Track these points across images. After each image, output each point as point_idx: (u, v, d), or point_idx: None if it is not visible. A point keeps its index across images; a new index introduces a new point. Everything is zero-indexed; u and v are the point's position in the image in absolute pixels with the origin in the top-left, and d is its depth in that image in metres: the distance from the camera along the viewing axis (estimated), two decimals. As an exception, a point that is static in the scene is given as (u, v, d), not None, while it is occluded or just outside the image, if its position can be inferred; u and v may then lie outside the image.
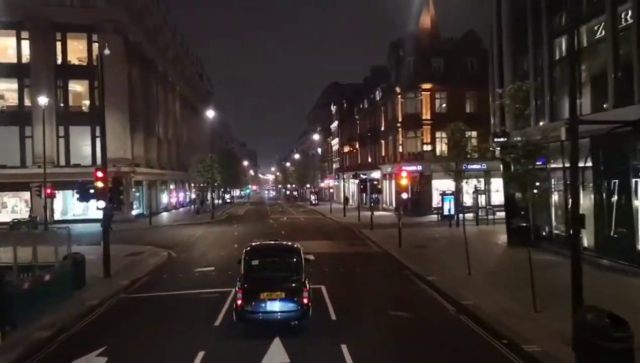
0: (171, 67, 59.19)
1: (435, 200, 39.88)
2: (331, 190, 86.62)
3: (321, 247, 23.10)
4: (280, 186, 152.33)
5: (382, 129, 49.09)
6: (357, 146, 61.09)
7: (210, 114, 46.41)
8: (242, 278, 10.27)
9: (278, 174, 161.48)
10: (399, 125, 42.77)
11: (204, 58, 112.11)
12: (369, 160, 55.76)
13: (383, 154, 48.91)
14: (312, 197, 69.25)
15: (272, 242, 13.18)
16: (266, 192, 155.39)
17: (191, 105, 71.66)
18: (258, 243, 12.67)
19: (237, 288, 10.14)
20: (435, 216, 37.80)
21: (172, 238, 27.91)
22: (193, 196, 71.38)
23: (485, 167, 41.51)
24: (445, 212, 36.66)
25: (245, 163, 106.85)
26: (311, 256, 16.41)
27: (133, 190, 43.63)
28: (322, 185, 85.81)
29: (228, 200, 77.51)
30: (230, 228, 33.25)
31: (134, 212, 41.78)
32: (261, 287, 9.92)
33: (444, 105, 42.14)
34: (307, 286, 10.20)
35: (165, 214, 49.72)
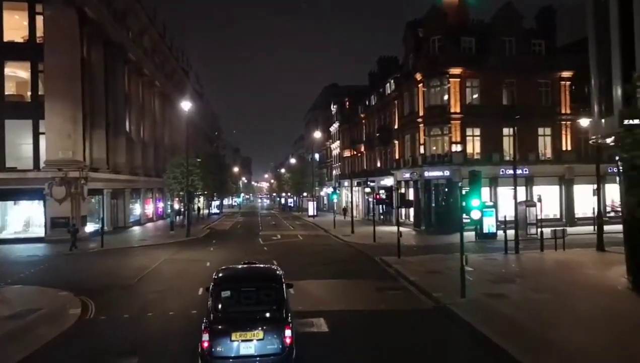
0: (148, 59, 50.97)
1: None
2: (330, 199, 78.35)
3: (335, 296, 14.80)
4: (274, 194, 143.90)
5: (396, 127, 41.01)
6: (363, 149, 52.98)
7: (185, 105, 37.87)
8: (210, 313, 8.17)
9: (272, 181, 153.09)
10: (419, 120, 34.64)
11: (195, 64, 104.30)
12: (378, 164, 47.58)
13: (397, 156, 40.77)
14: (311, 208, 61.03)
15: (247, 266, 10.20)
16: (260, 200, 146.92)
17: (174, 105, 63.44)
18: (230, 267, 10.17)
19: (203, 327, 7.92)
20: (465, 234, 29.49)
21: (115, 272, 19.55)
22: (176, 206, 62.96)
23: (527, 172, 33.56)
24: (485, 230, 28.59)
25: (236, 169, 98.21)
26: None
27: (91, 199, 35.21)
28: (322, 193, 77.49)
29: (216, 211, 69.08)
30: (204, 254, 24.84)
31: (89, 228, 33.29)
32: (233, 325, 7.88)
33: (475, 95, 34.10)
34: (290, 322, 8.14)
35: (136, 229, 41.26)
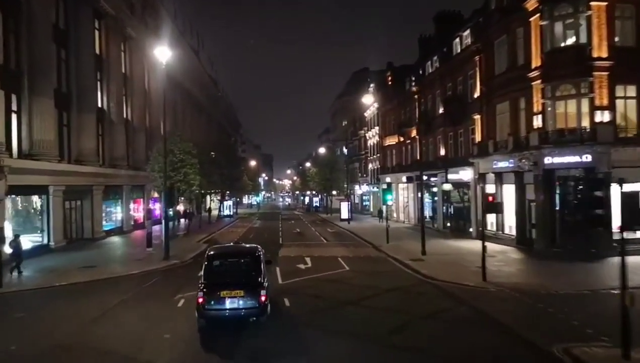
0: (138, 20, 39.32)
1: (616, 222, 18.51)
2: (363, 199, 65.74)
3: None
4: (297, 192, 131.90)
5: (476, 95, 28.12)
6: (414, 134, 40.09)
7: (162, 54, 24.47)
8: (204, 277, 10.79)
9: (295, 178, 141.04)
10: (534, 74, 21.65)
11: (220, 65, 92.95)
12: (442, 152, 34.62)
13: (478, 138, 27.89)
14: (344, 210, 48.49)
15: (234, 245, 14.68)
16: (281, 199, 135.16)
17: (179, 86, 51.84)
18: (220, 246, 14.79)
19: (198, 288, 10.56)
20: (629, 259, 16.35)
21: None
22: (180, 207, 51.39)
23: None
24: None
25: (253, 163, 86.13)
26: None
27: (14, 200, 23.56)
28: (359, 192, 64.75)
29: (228, 213, 57.13)
30: (156, 324, 12.02)
31: (25, 245, 21.42)
32: (222, 285, 10.43)
33: (630, 30, 20.93)
34: (266, 286, 10.73)
35: (108, 242, 29.58)
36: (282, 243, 29.36)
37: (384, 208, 41.89)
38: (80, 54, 29.54)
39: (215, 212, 53.90)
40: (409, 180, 40.58)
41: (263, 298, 10.32)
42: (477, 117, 27.93)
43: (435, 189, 35.69)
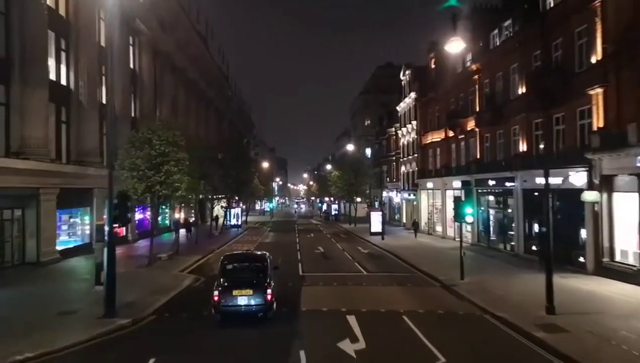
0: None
1: None
2: (394, 208, 56.58)
3: None
4: (313, 199, 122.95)
5: (598, 58, 18.78)
6: (473, 125, 30.88)
7: None
8: (219, 278, 12.38)
9: (311, 183, 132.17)
10: None
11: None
12: (522, 147, 25.17)
13: (599, 123, 18.56)
14: (375, 221, 39.33)
15: (245, 252, 18.13)
16: (296, 206, 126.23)
17: (181, 74, 43.42)
18: (233, 253, 15.26)
19: (214, 287, 12.12)
20: None
21: None
22: (179, 215, 42.96)
23: None
24: None
25: (266, 164, 76.98)
26: None
27: None
28: (396, 200, 55.35)
29: (236, 222, 48.27)
30: None
31: None
32: (234, 285, 12.03)
33: None
34: (272, 286, 12.24)
35: (71, 265, 21.06)
36: (304, 274, 20.30)
37: (450, 225, 33.03)
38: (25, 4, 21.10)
39: (223, 220, 45.16)
40: (465, 185, 31.34)
41: (269, 297, 11.91)
42: (597, 91, 18.62)
43: (509, 198, 26.31)
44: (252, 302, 11.80)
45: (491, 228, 28.88)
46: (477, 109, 30.51)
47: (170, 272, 19.81)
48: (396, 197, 54.49)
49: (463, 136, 33.22)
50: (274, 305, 12.27)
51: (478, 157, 30.50)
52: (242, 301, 11.79)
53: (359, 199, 57.08)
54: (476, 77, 30.57)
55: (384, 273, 20.86)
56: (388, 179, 58.22)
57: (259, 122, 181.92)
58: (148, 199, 21.68)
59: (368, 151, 75.08)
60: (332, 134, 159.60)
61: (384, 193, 60.39)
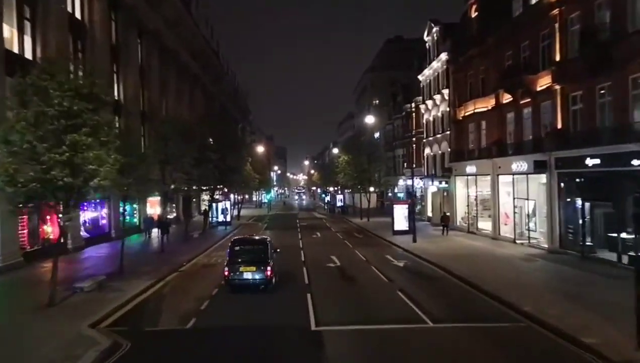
0: None
1: None
2: (418, 198, 47.16)
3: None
4: (315, 188, 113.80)
5: None
6: (551, 81, 21.55)
7: None
8: (228, 258, 14.88)
9: (313, 171, 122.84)
10: None
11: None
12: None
13: None
14: (399, 218, 30.24)
15: (249, 236, 20.14)
16: (296, 196, 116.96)
17: (154, 38, 33.96)
18: (240, 237, 19.02)
19: (225, 265, 14.90)
20: None
21: None
22: (150, 212, 34.07)
23: None
24: None
25: (261, 149, 67.14)
26: None
27: None
28: (426, 189, 45.50)
29: (222, 219, 39.10)
30: None
31: None
32: (241, 263, 14.69)
33: None
34: (271, 263, 14.81)
35: None
36: (318, 328, 11.24)
37: (506, 221, 24.16)
38: None
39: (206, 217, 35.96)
40: (539, 166, 22.10)
41: (269, 273, 14.50)
42: None
43: (627, 182, 17.12)
44: (256, 277, 14.46)
45: (585, 229, 19.69)
46: (558, 58, 21.22)
47: (74, 327, 10.66)
48: (418, 186, 45.24)
49: (528, 100, 23.96)
50: (274, 279, 14.88)
51: (560, 126, 21.27)
52: (247, 276, 14.48)
53: (372, 189, 47.98)
54: (557, 10, 21.20)
55: (461, 324, 11.67)
56: (406, 164, 48.94)
57: (256, 108, 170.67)
58: (50, 194, 12.52)
59: (376, 135, 65.77)
60: (333, 123, 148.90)
61: (400, 182, 51.27)
